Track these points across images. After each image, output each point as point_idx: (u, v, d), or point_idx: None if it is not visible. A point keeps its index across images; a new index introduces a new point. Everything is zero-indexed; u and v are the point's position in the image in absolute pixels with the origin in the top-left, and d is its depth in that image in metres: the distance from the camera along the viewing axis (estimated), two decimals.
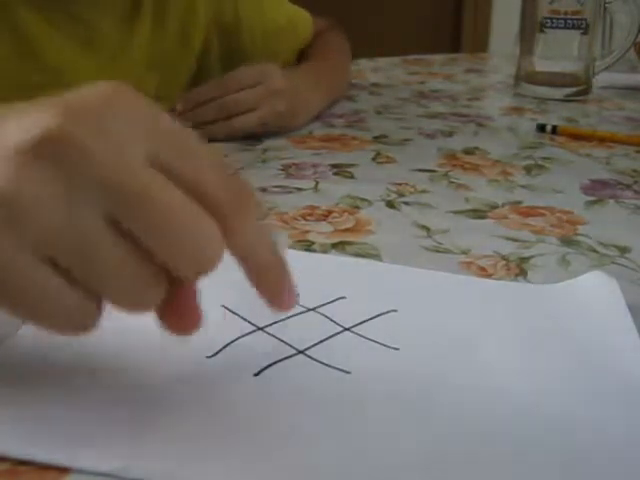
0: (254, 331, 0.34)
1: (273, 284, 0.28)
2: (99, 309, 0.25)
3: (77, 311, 0.24)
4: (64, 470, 0.25)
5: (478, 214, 0.51)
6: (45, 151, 0.23)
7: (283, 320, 0.34)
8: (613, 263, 0.43)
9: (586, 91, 0.94)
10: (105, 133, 0.24)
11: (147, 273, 0.25)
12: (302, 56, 0.90)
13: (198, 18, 0.78)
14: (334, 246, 0.45)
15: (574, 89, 0.94)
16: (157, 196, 0.24)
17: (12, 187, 0.23)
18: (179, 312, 0.27)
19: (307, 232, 0.47)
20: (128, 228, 0.24)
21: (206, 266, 0.25)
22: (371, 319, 0.35)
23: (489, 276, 0.41)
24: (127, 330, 0.33)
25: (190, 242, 0.24)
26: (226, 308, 0.35)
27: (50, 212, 0.23)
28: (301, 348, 0.33)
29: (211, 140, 0.68)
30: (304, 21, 0.93)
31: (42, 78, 0.65)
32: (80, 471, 0.25)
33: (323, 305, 0.36)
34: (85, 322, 0.25)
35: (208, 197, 0.25)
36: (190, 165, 0.25)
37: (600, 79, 0.97)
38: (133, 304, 0.25)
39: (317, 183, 0.57)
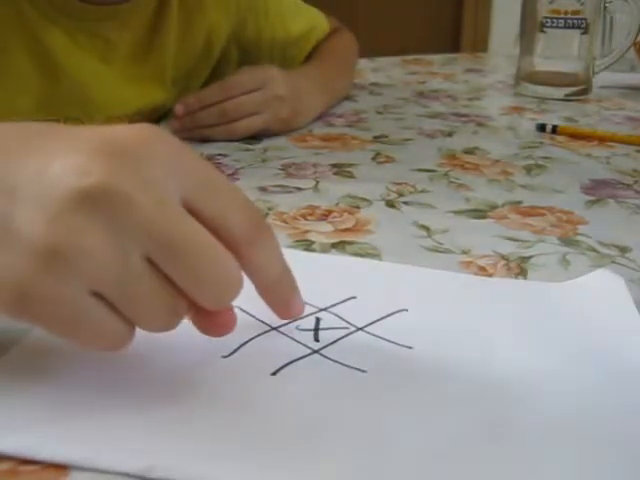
0: (268, 331, 0.34)
1: (282, 297, 0.33)
2: (132, 332, 0.28)
3: (115, 334, 0.27)
4: (64, 470, 0.25)
5: (478, 214, 0.51)
6: (94, 201, 0.25)
7: (296, 320, 0.35)
8: (613, 263, 0.43)
9: (586, 91, 0.94)
10: (146, 181, 0.26)
11: (176, 303, 0.28)
12: (307, 55, 0.89)
13: (220, 30, 0.78)
14: (334, 246, 0.45)
15: (574, 89, 0.94)
16: (193, 244, 0.27)
17: (69, 239, 0.25)
18: (213, 319, 0.30)
19: (307, 232, 0.47)
20: (162, 267, 0.27)
21: (227, 300, 0.29)
22: (383, 318, 0.36)
23: (489, 276, 0.41)
24: (143, 332, 0.33)
25: (216, 282, 0.28)
26: (240, 309, 0.36)
27: (100, 257, 0.25)
28: (315, 348, 0.33)
29: (211, 140, 0.68)
30: (321, 24, 0.92)
31: (63, 93, 0.65)
32: (80, 471, 0.25)
33: (334, 305, 0.37)
34: (120, 343, 0.28)
35: (230, 234, 0.28)
36: (217, 204, 0.28)
37: (600, 79, 0.97)
38: (161, 328, 0.28)
39: (317, 183, 0.57)
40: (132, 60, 0.71)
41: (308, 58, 0.89)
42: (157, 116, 0.77)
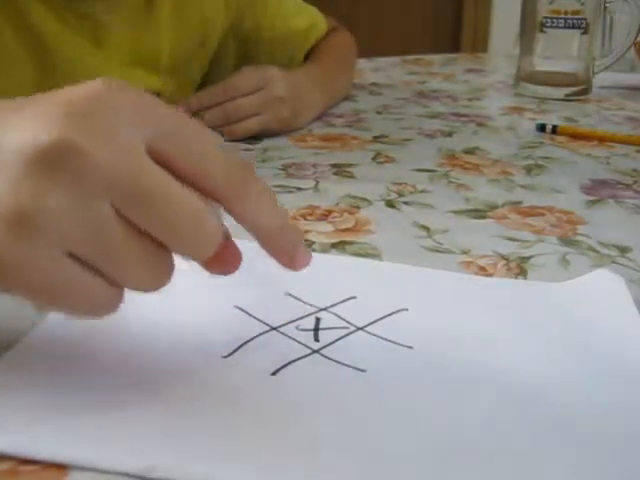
0: (268, 331, 0.34)
1: (284, 248, 0.31)
2: (120, 294, 0.27)
3: (99, 296, 0.27)
4: (64, 470, 0.25)
5: (478, 214, 0.51)
6: (53, 160, 0.25)
7: (296, 321, 0.35)
8: (613, 263, 0.43)
9: (586, 91, 0.94)
10: (104, 133, 0.25)
11: (158, 257, 0.27)
12: (307, 55, 0.90)
13: (217, 21, 0.78)
14: (334, 246, 0.45)
15: (574, 89, 0.94)
16: (160, 192, 0.26)
17: (34, 202, 0.24)
18: (218, 257, 0.29)
19: (307, 232, 0.47)
20: (135, 220, 0.26)
21: (205, 252, 0.28)
22: (383, 318, 0.36)
23: (489, 276, 0.41)
24: (143, 332, 0.33)
25: (191, 234, 0.27)
26: (240, 309, 0.36)
27: (67, 215, 0.25)
28: (315, 348, 0.33)
29: None
30: (320, 23, 0.92)
31: (55, 77, 0.65)
32: (80, 471, 0.25)
33: (334, 305, 0.37)
34: (107, 305, 0.27)
35: (209, 185, 0.27)
36: (189, 153, 0.27)
37: (600, 79, 0.97)
38: (149, 286, 0.27)
39: (317, 183, 0.57)
40: (124, 43, 0.70)
41: (307, 57, 0.89)
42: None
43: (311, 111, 0.77)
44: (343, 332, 0.34)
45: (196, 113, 0.68)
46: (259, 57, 0.84)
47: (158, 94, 0.75)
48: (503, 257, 0.44)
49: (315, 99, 0.78)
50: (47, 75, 0.65)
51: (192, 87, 0.80)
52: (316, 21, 0.92)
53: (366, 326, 0.35)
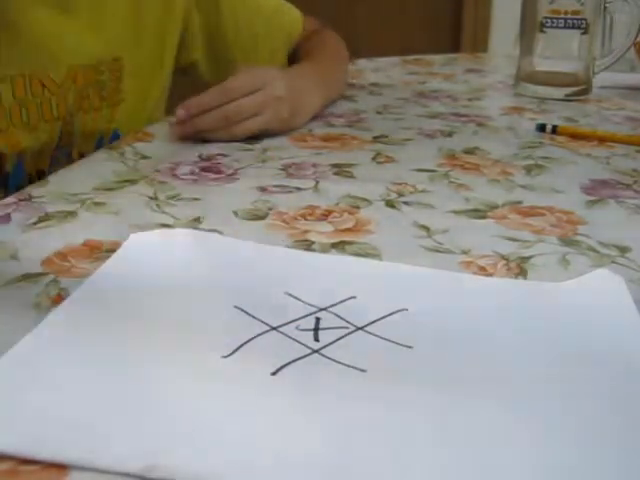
0: (268, 331, 0.34)
1: None
2: None
3: None
4: (64, 470, 0.25)
5: (478, 214, 0.51)
6: None
7: (296, 320, 0.35)
8: (613, 263, 0.43)
9: (586, 91, 0.94)
10: None
11: None
12: (297, 55, 0.90)
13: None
14: (334, 246, 0.45)
15: (574, 89, 0.94)
16: None
17: None
18: None
19: (307, 232, 0.47)
20: None
21: None
22: (383, 318, 0.36)
23: (489, 276, 0.41)
24: (143, 331, 0.33)
25: None
26: (240, 309, 0.36)
27: None
28: (315, 348, 0.33)
29: (211, 140, 0.68)
30: (292, 15, 0.95)
31: (22, 49, 0.66)
32: (80, 471, 0.25)
33: (334, 305, 0.37)
34: None
35: None
36: None
37: (600, 79, 0.97)
38: None
39: (317, 183, 0.57)
40: (90, 8, 0.72)
41: (298, 56, 0.89)
42: (119, 67, 0.78)
43: (309, 110, 0.78)
44: (343, 332, 0.34)
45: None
46: (224, 30, 0.88)
47: (126, 59, 0.77)
48: (503, 257, 0.44)
49: (313, 98, 0.79)
50: (13, 46, 0.65)
51: (165, 63, 0.84)
52: (286, 11, 0.95)
53: (366, 326, 0.35)
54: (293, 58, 0.91)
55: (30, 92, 0.68)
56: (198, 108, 0.68)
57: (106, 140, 0.78)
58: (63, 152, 0.74)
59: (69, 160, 0.74)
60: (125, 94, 0.79)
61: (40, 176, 0.71)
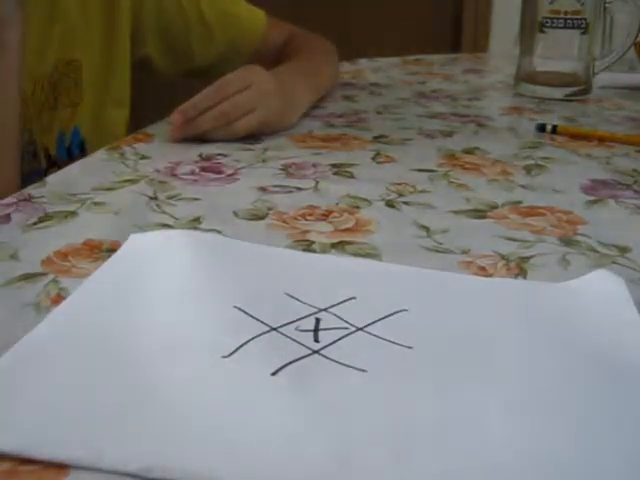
0: (268, 331, 0.34)
1: None
2: None
3: None
4: (64, 470, 0.25)
5: (478, 214, 0.51)
6: None
7: (295, 321, 0.35)
8: (613, 263, 0.43)
9: (586, 91, 0.94)
10: None
11: None
12: (280, 59, 0.90)
13: None
14: (334, 246, 0.45)
15: (574, 89, 0.94)
16: None
17: None
18: None
19: (307, 232, 0.47)
20: None
21: None
22: (383, 319, 0.36)
23: (489, 276, 0.41)
24: (143, 331, 0.33)
25: None
26: (240, 309, 0.36)
27: None
28: (315, 348, 0.33)
29: (211, 140, 0.68)
30: (250, 8, 0.97)
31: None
32: (80, 471, 0.25)
33: (334, 305, 0.37)
34: None
35: None
36: None
37: (600, 79, 0.97)
38: None
39: (317, 183, 0.57)
40: (42, 16, 0.73)
41: (282, 58, 0.90)
42: (75, 68, 0.80)
43: (301, 103, 0.79)
44: (343, 332, 0.34)
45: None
46: (174, 19, 0.90)
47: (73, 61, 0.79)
48: (503, 257, 0.44)
49: (302, 92, 0.79)
50: None
51: (109, 58, 0.85)
52: (256, 11, 0.97)
53: (366, 326, 0.35)
54: (277, 63, 0.92)
55: None
56: (195, 110, 0.68)
57: (67, 137, 0.81)
58: (30, 149, 0.76)
59: (35, 157, 0.76)
60: (84, 94, 0.82)
61: None
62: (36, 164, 0.76)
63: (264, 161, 0.63)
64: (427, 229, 0.48)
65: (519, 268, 0.42)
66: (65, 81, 0.79)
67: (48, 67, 0.76)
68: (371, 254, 0.44)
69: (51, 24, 0.76)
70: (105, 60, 0.84)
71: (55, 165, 0.78)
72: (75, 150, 0.82)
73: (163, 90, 0.86)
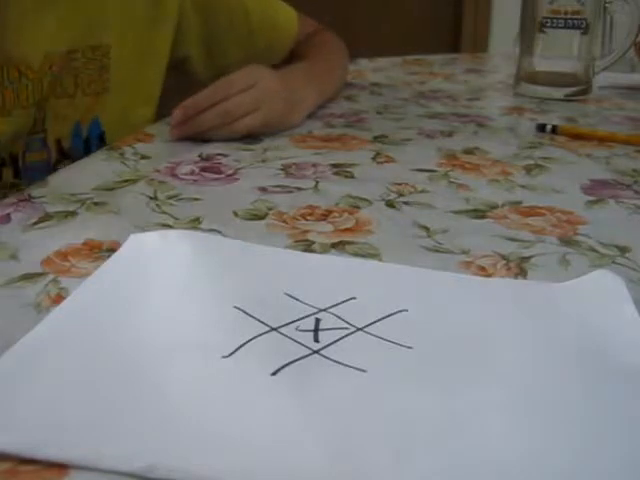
0: (268, 331, 0.34)
1: None
2: None
3: None
4: (64, 470, 0.25)
5: (478, 214, 0.51)
6: None
7: (296, 321, 0.35)
8: (613, 263, 0.43)
9: (586, 91, 0.94)
10: None
11: None
12: (294, 57, 0.90)
13: None
14: (334, 246, 0.45)
15: (574, 89, 0.94)
16: None
17: None
18: None
19: (307, 232, 0.47)
20: None
21: None
22: (383, 319, 0.36)
23: (489, 276, 0.41)
24: (144, 331, 0.33)
25: None
26: (240, 309, 0.36)
27: None
28: (315, 348, 0.33)
29: (211, 140, 0.68)
30: (286, 12, 0.95)
31: (2, 38, 0.65)
32: (80, 471, 0.25)
33: (334, 306, 0.37)
34: None
35: None
36: None
37: (600, 79, 0.97)
38: None
39: (317, 183, 0.57)
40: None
41: (295, 56, 0.90)
42: (101, 55, 0.76)
43: (305, 106, 0.78)
44: (343, 332, 0.34)
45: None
46: (220, 26, 0.88)
47: (98, 47, 0.76)
48: (503, 257, 0.44)
49: (307, 94, 0.79)
50: None
51: (147, 52, 0.82)
52: (291, 14, 0.95)
53: (366, 327, 0.35)
54: (290, 60, 0.91)
55: (7, 78, 0.66)
56: (196, 108, 0.67)
57: (83, 127, 0.76)
58: (38, 138, 0.72)
59: (44, 146, 0.73)
60: (110, 84, 0.77)
61: (14, 161, 0.70)
62: (44, 155, 0.73)
63: (264, 161, 0.63)
64: (427, 229, 0.48)
65: (519, 268, 0.42)
66: (89, 67, 0.74)
67: (69, 48, 0.72)
68: (371, 254, 0.44)
69: (79, 4, 0.72)
70: (141, 55, 0.80)
71: (68, 157, 0.74)
72: (94, 142, 0.77)
73: (183, 88, 0.85)
